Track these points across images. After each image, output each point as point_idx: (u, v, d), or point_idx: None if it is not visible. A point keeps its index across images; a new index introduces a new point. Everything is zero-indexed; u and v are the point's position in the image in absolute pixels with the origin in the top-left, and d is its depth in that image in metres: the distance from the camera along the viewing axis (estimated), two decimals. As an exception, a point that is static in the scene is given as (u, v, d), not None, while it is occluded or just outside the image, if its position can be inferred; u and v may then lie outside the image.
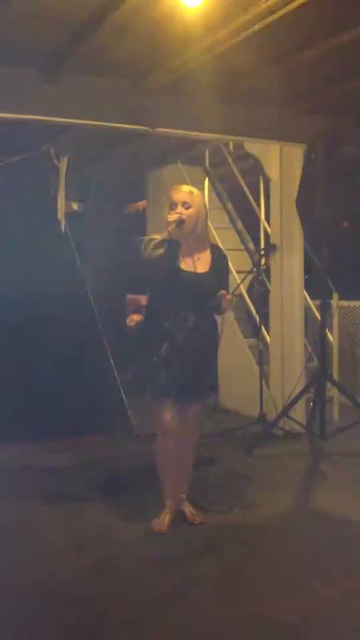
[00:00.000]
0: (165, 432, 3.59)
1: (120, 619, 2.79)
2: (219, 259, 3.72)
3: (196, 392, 3.67)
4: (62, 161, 6.04)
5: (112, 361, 5.90)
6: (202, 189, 7.14)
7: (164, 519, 3.62)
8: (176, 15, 3.64)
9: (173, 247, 3.54)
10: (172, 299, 3.55)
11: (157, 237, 3.62)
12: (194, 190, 3.65)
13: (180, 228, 3.52)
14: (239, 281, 6.28)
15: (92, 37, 3.96)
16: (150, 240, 3.60)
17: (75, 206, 8.58)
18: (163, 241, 3.57)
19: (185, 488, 3.76)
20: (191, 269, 3.54)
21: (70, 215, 7.00)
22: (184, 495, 3.74)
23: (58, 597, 2.97)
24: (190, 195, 3.58)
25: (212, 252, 3.71)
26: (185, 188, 3.64)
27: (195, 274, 3.55)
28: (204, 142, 6.58)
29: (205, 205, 3.71)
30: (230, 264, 3.94)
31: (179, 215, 3.52)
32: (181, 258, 3.57)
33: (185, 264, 3.56)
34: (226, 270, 3.79)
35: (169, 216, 3.54)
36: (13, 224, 5.67)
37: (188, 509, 3.72)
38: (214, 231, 7.00)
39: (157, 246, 3.56)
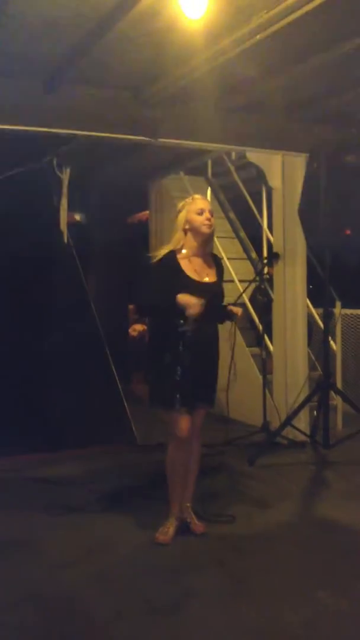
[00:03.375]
0: (181, 441, 3.59)
1: (120, 630, 2.77)
2: (219, 267, 3.79)
3: (208, 398, 3.72)
4: (64, 172, 6.06)
5: (114, 371, 5.89)
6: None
7: (169, 530, 3.61)
8: (178, 26, 3.66)
9: (187, 259, 3.59)
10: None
11: (166, 250, 3.64)
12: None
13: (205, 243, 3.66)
14: (241, 290, 6.27)
15: (94, 49, 3.99)
16: (164, 253, 3.61)
17: (77, 217, 8.61)
18: (175, 252, 3.60)
19: (189, 497, 3.75)
20: (204, 280, 3.62)
21: (72, 225, 7.02)
22: (188, 505, 3.73)
23: (59, 608, 2.96)
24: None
25: (215, 262, 3.77)
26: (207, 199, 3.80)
27: (207, 284, 3.62)
28: (206, 152, 6.60)
29: None
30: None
31: (208, 223, 3.64)
32: (195, 269, 3.61)
33: (199, 275, 3.61)
34: (223, 275, 3.85)
35: (203, 222, 3.62)
36: (16, 234, 5.68)
37: (192, 519, 3.71)
38: (216, 240, 7.00)
39: (170, 258, 3.58)
